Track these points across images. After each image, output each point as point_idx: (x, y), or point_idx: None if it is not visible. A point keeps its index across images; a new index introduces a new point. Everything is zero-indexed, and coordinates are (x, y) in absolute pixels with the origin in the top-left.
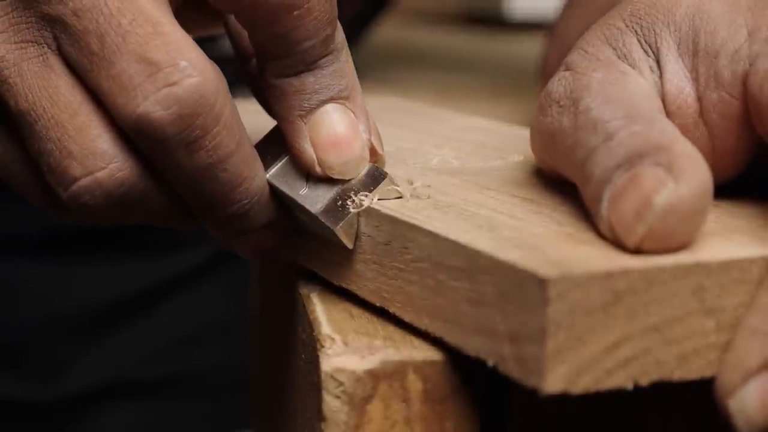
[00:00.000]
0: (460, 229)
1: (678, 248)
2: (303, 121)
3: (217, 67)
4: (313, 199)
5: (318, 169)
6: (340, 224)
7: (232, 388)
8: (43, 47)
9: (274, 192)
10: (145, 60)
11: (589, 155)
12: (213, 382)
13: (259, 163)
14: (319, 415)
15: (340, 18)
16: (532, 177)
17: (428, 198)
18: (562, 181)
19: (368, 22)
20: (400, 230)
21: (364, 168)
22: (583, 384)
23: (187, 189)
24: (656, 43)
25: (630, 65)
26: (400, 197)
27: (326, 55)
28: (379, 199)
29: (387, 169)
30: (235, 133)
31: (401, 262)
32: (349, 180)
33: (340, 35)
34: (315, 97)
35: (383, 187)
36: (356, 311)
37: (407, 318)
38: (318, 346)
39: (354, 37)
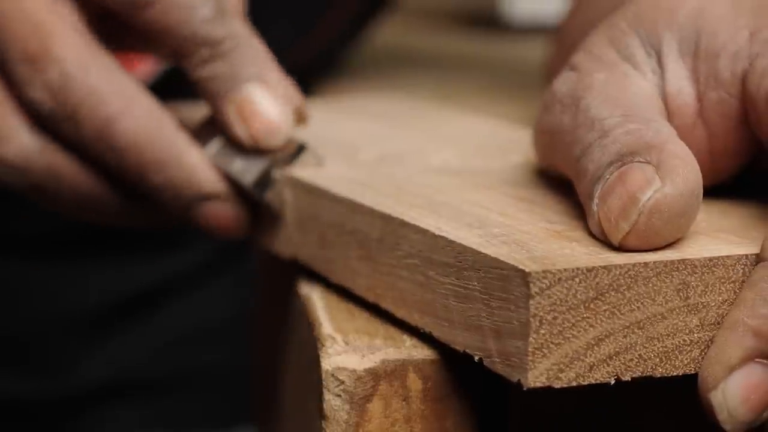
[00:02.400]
0: (450, 226)
1: (662, 246)
2: (228, 102)
3: (98, 53)
4: (246, 172)
5: (250, 142)
6: (269, 194)
7: (235, 386)
8: None
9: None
10: (27, 56)
11: (584, 152)
12: (215, 380)
13: (172, 132)
14: (319, 414)
15: (342, 17)
16: (531, 177)
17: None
18: (561, 180)
19: (368, 21)
20: (392, 226)
21: (291, 139)
22: (565, 379)
23: (100, 163)
24: (658, 44)
25: (633, 67)
26: (320, 165)
27: (225, 40)
28: (300, 167)
29: (391, 167)
30: (114, 102)
31: (393, 258)
32: (276, 153)
33: (239, 23)
34: (232, 78)
35: (304, 156)
36: (357, 310)
37: (399, 314)
38: (319, 345)
39: (353, 36)
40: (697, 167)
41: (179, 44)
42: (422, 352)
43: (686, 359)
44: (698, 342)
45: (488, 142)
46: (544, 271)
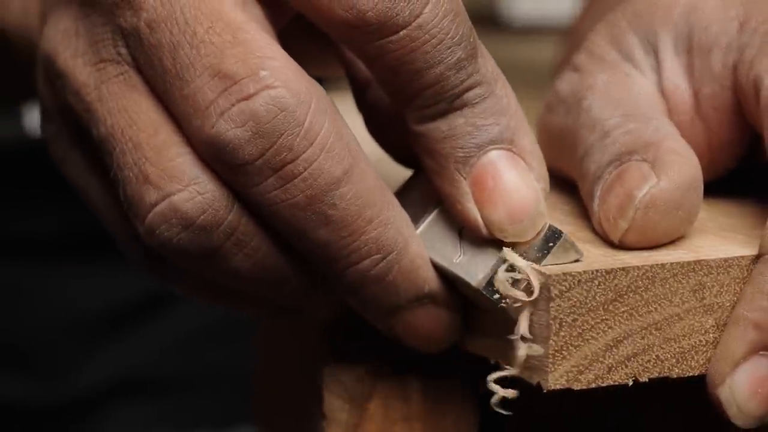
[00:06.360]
0: None
1: (663, 243)
2: (462, 174)
3: (314, 81)
4: (472, 267)
5: (485, 231)
6: (509, 299)
7: (235, 386)
8: (122, 65)
9: None
10: (220, 73)
11: (586, 152)
12: (216, 380)
13: (394, 208)
14: (320, 414)
15: None
16: None
17: None
18: (565, 180)
19: None
20: None
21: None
22: (584, 381)
23: (295, 235)
24: (655, 42)
25: (633, 66)
26: (578, 260)
27: (472, 88)
28: (554, 264)
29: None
30: (341, 159)
31: None
32: (519, 245)
33: (488, 64)
34: (471, 141)
35: (559, 249)
36: None
37: None
38: (319, 345)
39: None
40: (696, 161)
41: (414, 88)
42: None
43: (702, 359)
44: (713, 342)
45: None
46: (564, 274)
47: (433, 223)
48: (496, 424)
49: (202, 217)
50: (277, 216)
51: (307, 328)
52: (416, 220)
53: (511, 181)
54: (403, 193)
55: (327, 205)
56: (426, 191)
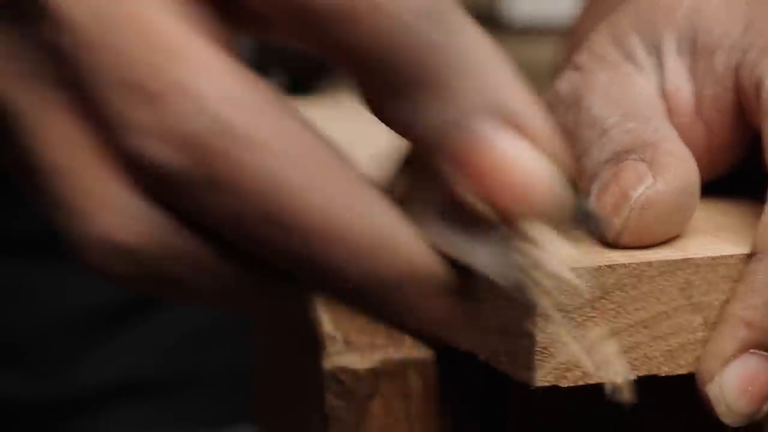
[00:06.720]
0: None
1: (657, 243)
2: (449, 150)
3: (260, 79)
4: (482, 255)
5: (490, 214)
6: (527, 288)
7: (235, 386)
8: (44, 83)
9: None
10: (145, 89)
11: (584, 150)
12: (216, 380)
13: (377, 204)
14: (321, 413)
15: None
16: None
17: None
18: None
19: None
20: None
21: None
22: (572, 378)
23: (254, 248)
24: (658, 43)
25: (635, 66)
26: (606, 237)
27: (446, 50)
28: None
29: None
30: (292, 164)
31: None
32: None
33: (460, 23)
34: (454, 112)
35: (582, 224)
36: None
37: None
38: (319, 345)
39: None
40: (693, 165)
41: (366, 57)
42: (422, 352)
43: (690, 358)
44: (702, 341)
45: None
46: None
47: (437, 212)
48: (496, 424)
49: (135, 241)
50: (227, 231)
51: (308, 327)
52: (417, 210)
53: (509, 152)
54: (398, 184)
55: (290, 217)
56: (424, 178)
